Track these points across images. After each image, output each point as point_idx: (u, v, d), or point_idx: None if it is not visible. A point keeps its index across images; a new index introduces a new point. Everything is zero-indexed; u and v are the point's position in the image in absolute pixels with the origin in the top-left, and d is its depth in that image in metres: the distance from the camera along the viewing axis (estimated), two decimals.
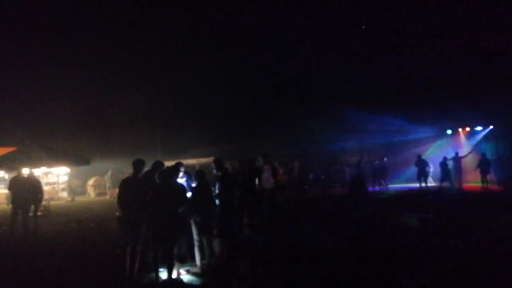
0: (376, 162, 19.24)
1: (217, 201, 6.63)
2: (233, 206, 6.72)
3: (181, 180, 6.79)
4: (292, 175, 17.11)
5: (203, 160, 20.73)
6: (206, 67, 25.73)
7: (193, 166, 18.59)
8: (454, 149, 19.26)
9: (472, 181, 17.49)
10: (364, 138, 23.44)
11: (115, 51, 28.10)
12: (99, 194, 22.30)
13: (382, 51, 22.92)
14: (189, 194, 6.38)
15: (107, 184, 21.90)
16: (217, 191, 6.65)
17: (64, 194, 21.29)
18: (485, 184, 16.29)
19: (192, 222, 6.35)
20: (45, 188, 17.22)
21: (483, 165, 16.37)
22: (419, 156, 17.27)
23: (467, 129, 21.60)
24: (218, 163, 6.98)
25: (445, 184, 16.74)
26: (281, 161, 17.70)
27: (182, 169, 6.97)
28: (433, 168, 18.37)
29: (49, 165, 15.35)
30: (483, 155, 16.89)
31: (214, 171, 7.00)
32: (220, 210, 6.56)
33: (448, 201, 13.17)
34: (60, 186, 21.44)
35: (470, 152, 17.92)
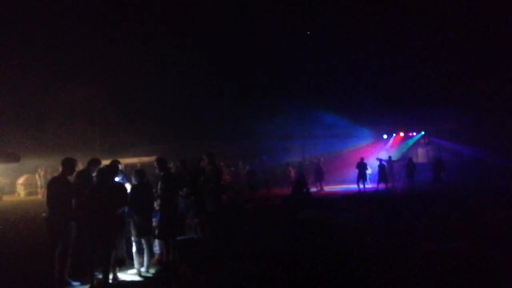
0: (313, 164, 19.67)
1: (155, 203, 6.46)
2: (175, 206, 6.58)
3: (117, 179, 6.52)
4: (238, 177, 17.12)
5: (145, 159, 20.15)
6: (148, 63, 24.96)
7: (134, 165, 17.98)
8: (388, 152, 20.43)
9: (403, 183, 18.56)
10: (307, 141, 24.16)
11: (52, 42, 26.36)
12: (30, 194, 20.93)
13: (324, 58, 23.72)
14: None
15: (39, 183, 20.58)
16: (159, 191, 6.47)
17: None
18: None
19: (131, 222, 6.12)
20: None
21: (409, 169, 17.45)
22: (361, 159, 17.82)
23: (401, 134, 23.06)
24: (161, 162, 6.78)
25: (381, 186, 17.62)
26: (225, 162, 17.68)
27: (120, 167, 6.70)
28: (371, 171, 19.29)
29: None
30: (410, 159, 18.06)
31: (157, 171, 6.80)
32: (162, 211, 6.39)
33: (383, 202, 13.86)
34: None
35: (399, 160, 19.08)
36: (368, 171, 18.65)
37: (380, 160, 18.03)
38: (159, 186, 6.48)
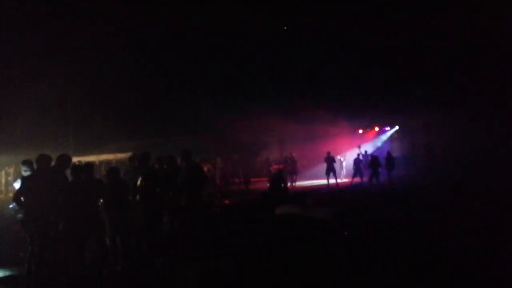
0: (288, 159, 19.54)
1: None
2: (154, 203, 6.47)
3: None
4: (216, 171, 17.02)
5: (121, 155, 19.77)
6: (124, 56, 24.33)
7: (110, 162, 17.65)
8: (364, 147, 20.72)
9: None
10: (284, 136, 24.29)
11: (23, 33, 25.28)
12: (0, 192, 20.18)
13: (298, 53, 23.81)
14: None
15: (3, 180, 19.89)
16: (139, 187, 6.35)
17: None
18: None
19: (106, 220, 5.99)
20: None
21: (389, 163, 17.68)
22: (328, 153, 17.72)
23: (376, 128, 23.45)
24: (144, 157, 6.63)
25: (356, 180, 17.81)
26: (203, 158, 17.54)
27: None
28: (345, 164, 19.46)
29: None
30: (388, 153, 18.32)
31: (137, 165, 6.67)
32: (140, 207, 6.28)
33: (358, 195, 14.10)
34: None
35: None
36: (341, 164, 18.70)
37: (357, 154, 18.21)
38: (139, 182, 6.36)
